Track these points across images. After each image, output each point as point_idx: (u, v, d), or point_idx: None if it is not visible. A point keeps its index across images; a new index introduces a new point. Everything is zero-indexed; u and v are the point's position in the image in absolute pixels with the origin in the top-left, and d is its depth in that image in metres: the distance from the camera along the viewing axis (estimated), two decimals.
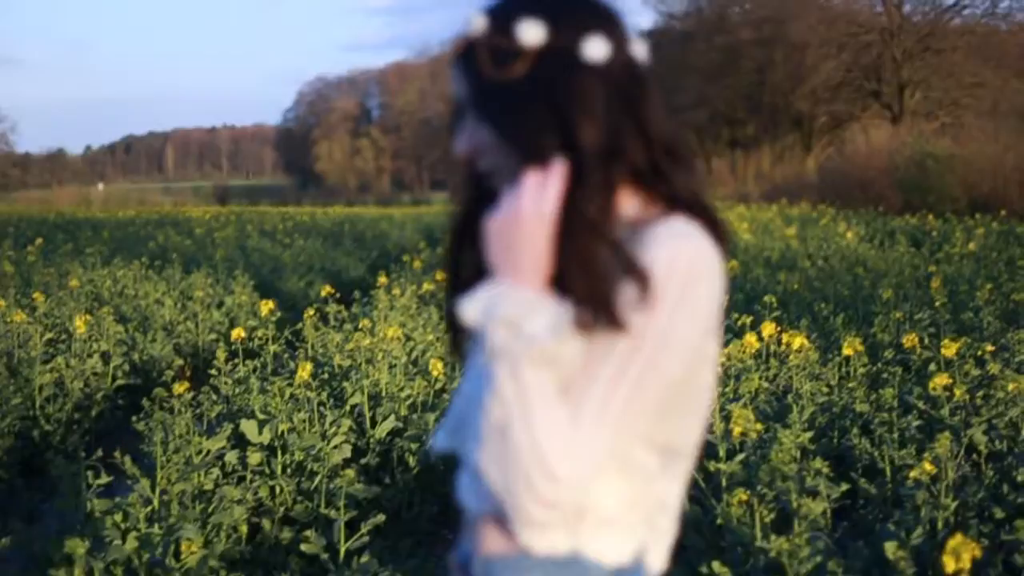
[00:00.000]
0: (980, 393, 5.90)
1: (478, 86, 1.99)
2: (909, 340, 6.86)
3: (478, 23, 2.00)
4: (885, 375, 6.61)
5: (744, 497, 4.44)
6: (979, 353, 6.78)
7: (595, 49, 1.98)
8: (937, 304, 8.97)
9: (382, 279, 12.01)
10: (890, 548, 4.28)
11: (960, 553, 3.16)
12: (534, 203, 1.87)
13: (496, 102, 1.98)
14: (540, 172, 1.90)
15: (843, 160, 31.59)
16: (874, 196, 28.78)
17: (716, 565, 4.29)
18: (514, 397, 1.81)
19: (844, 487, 4.59)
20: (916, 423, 5.58)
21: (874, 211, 27.11)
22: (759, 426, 4.61)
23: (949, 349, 6.16)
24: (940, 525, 4.34)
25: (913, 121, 35.28)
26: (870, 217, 25.31)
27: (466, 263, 2.09)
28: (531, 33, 1.97)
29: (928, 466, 4.36)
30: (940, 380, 5.06)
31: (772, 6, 38.48)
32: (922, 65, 37.19)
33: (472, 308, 1.84)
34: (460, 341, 2.13)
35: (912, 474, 4.39)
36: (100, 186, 73.94)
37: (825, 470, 4.67)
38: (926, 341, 7.41)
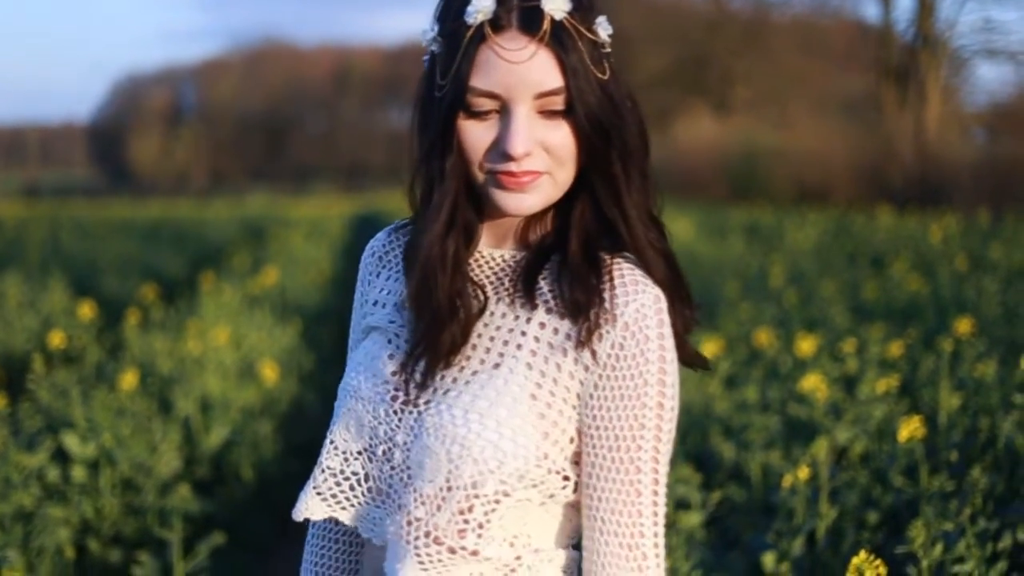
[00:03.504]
0: (839, 392, 5.74)
1: (579, 82, 1.81)
2: (761, 336, 6.69)
3: (559, 4, 1.80)
4: (740, 373, 6.44)
5: None
6: (837, 351, 6.64)
7: (605, 34, 1.89)
8: (786, 299, 8.87)
9: (207, 279, 11.58)
10: (768, 560, 4.07)
11: (863, 571, 2.97)
12: None
13: (602, 101, 1.83)
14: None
15: (671, 153, 31.80)
16: (703, 188, 29.06)
17: None
18: None
19: (717, 495, 4.37)
20: (776, 424, 5.39)
21: (704, 203, 27.33)
22: None
23: (805, 345, 5.99)
24: (820, 533, 4.14)
25: (740, 113, 35.65)
26: (701, 209, 25.45)
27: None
28: (606, 31, 1.87)
29: (803, 471, 4.14)
30: (811, 381, 4.86)
31: None
32: (747, 58, 37.59)
33: None
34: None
35: (786, 480, 4.17)
36: None
37: (695, 479, 4.45)
38: (778, 337, 7.25)
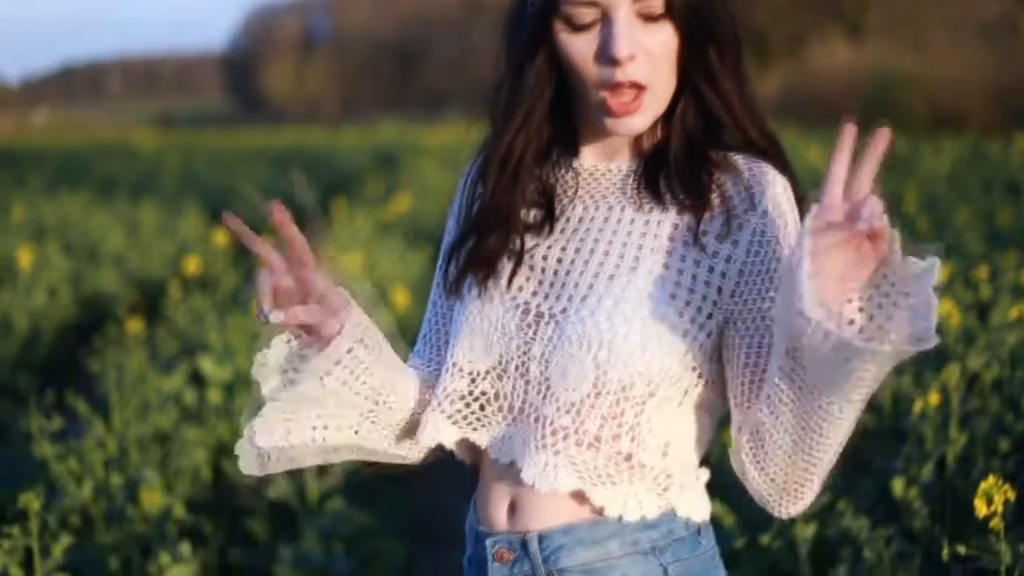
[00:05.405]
0: (972, 319, 5.66)
1: None
2: None
3: None
4: None
5: None
6: (970, 278, 6.54)
7: None
8: (919, 226, 8.73)
9: (339, 207, 11.69)
10: (898, 485, 4.05)
11: (992, 496, 2.95)
12: None
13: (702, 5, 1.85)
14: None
15: (804, 78, 31.31)
16: (836, 115, 28.57)
17: (715, 506, 4.05)
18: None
19: None
20: None
21: (837, 130, 26.88)
22: None
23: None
24: (950, 459, 4.11)
25: (875, 37, 34.96)
26: (834, 136, 25.03)
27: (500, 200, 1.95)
28: None
29: (933, 397, 4.11)
30: (943, 307, 4.79)
31: None
32: None
33: None
34: (460, 280, 1.99)
35: (917, 407, 4.14)
36: (40, 115, 72.17)
37: None
38: None
